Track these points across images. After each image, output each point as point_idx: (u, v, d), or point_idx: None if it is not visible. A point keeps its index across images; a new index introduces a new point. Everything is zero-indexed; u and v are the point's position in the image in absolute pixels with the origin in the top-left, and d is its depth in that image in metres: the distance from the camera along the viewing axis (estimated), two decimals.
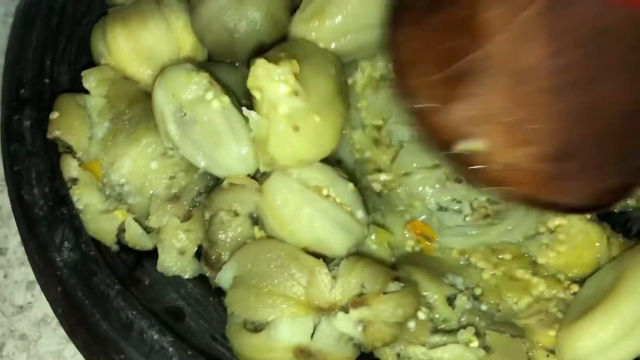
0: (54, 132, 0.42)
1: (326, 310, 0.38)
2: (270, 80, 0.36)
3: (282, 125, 0.37)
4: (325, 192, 0.40)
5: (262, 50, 0.42)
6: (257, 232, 0.41)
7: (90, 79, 0.43)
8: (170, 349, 0.38)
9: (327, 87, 0.39)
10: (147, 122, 0.41)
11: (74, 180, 0.42)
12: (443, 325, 0.41)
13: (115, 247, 0.42)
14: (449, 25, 0.27)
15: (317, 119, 0.38)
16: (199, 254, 0.42)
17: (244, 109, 0.38)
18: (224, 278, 0.40)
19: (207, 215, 0.40)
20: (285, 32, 0.42)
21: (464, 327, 0.40)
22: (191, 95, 0.39)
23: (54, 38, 0.45)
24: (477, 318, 0.40)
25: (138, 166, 0.41)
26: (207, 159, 0.40)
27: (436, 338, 0.40)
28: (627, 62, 0.21)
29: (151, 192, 0.42)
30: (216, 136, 0.39)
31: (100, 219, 0.41)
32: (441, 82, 0.28)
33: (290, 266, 0.38)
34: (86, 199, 0.41)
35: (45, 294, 0.41)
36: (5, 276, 0.46)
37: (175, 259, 0.41)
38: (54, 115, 0.42)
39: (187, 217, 0.42)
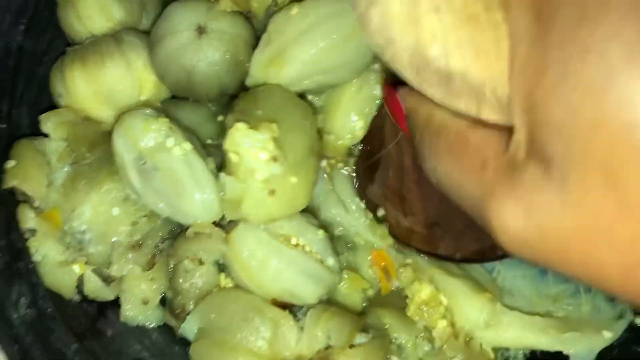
0: (11, 182, 0.40)
1: None
2: (250, 146, 0.36)
3: (258, 190, 0.36)
4: (294, 240, 0.39)
5: (223, 89, 0.40)
6: (224, 280, 0.40)
7: (49, 123, 0.41)
8: None
9: (303, 144, 0.38)
10: (109, 167, 0.40)
11: (32, 231, 0.40)
12: None
13: (76, 298, 0.41)
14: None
15: (294, 180, 0.37)
16: (164, 301, 0.41)
17: (221, 174, 0.37)
18: (188, 329, 0.39)
19: (171, 264, 0.39)
20: (246, 70, 0.41)
21: None
22: (151, 143, 0.38)
23: (11, 80, 0.43)
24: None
25: (99, 213, 0.40)
26: (169, 207, 0.38)
27: None
28: None
29: (113, 239, 0.40)
30: (178, 184, 0.37)
31: (59, 271, 0.40)
32: (364, 170, 0.41)
33: (254, 319, 0.37)
34: (44, 250, 0.40)
35: (3, 352, 0.40)
36: None
37: (139, 308, 0.40)
38: (10, 164, 0.41)
39: (150, 266, 0.40)
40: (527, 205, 0.17)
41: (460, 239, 0.39)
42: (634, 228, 0.15)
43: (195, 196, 0.38)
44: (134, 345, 0.41)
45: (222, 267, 0.40)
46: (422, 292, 0.40)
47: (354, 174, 0.42)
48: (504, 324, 0.40)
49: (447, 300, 0.40)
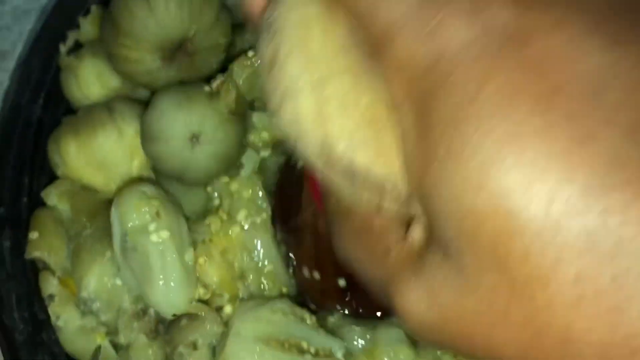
0: (33, 253, 0.43)
1: None
2: None
3: None
4: (287, 344, 0.37)
5: (212, 178, 0.42)
6: None
7: (51, 196, 0.43)
8: None
9: None
10: (109, 237, 0.41)
11: (52, 297, 0.42)
12: None
13: None
14: None
15: None
16: None
17: None
18: None
19: (167, 349, 0.40)
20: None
21: None
22: (136, 223, 0.39)
23: (32, 153, 0.46)
24: None
25: (103, 283, 0.41)
26: (140, 290, 0.39)
27: None
28: None
29: (118, 307, 0.41)
30: (148, 270, 0.38)
31: (79, 338, 0.42)
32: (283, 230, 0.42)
33: None
34: (65, 316, 0.42)
35: None
36: None
37: None
38: (34, 235, 0.43)
39: (155, 334, 0.41)
40: (428, 290, 0.17)
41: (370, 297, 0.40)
42: (526, 307, 0.15)
43: (159, 285, 0.39)
44: None
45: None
46: None
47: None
48: None
49: None
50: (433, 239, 0.17)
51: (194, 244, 0.41)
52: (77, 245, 0.42)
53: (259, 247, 0.41)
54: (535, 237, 0.14)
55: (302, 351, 0.37)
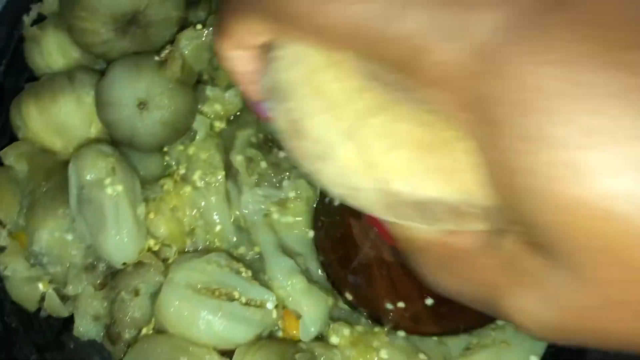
0: None
1: None
2: None
3: None
4: (218, 291, 0.40)
5: (161, 145, 0.45)
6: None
7: (9, 156, 0.46)
8: None
9: None
10: (63, 195, 0.43)
11: (2, 249, 0.45)
12: None
13: (43, 313, 0.45)
14: None
15: None
16: None
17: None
18: None
19: (111, 295, 0.42)
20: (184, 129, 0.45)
21: None
22: (93, 176, 0.41)
23: None
24: None
25: (55, 238, 0.43)
26: (93, 239, 0.41)
27: None
28: None
29: (69, 261, 0.44)
30: (102, 220, 0.41)
31: (24, 286, 0.44)
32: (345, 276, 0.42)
33: (181, 352, 0.39)
34: (12, 267, 0.44)
35: None
36: None
37: (90, 324, 0.43)
38: None
39: (102, 286, 0.44)
40: (539, 295, 0.17)
41: (464, 310, 0.40)
42: None
43: (112, 235, 0.41)
44: (94, 357, 0.45)
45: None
46: (361, 358, 0.41)
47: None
48: None
49: None
50: (531, 245, 0.17)
51: (146, 201, 0.43)
52: (32, 202, 0.44)
53: (209, 207, 0.44)
54: None
55: (232, 299, 0.40)
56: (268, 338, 0.41)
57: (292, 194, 0.43)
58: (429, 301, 0.39)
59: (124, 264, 0.42)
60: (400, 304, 0.39)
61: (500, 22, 0.15)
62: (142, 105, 0.44)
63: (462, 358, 0.42)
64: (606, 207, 0.14)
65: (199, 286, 0.40)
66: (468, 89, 0.15)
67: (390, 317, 0.40)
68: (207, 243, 0.44)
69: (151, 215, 0.43)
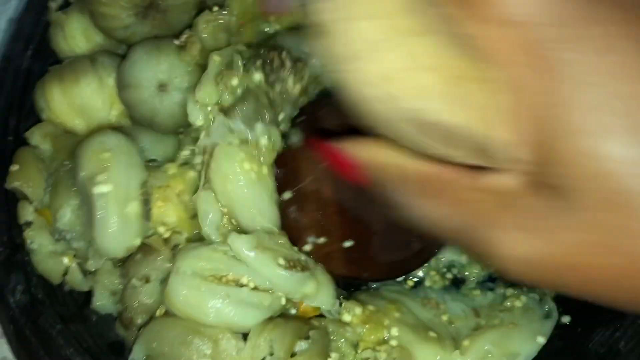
0: (13, 183, 0.47)
1: None
2: None
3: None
4: (225, 278, 0.41)
5: (180, 126, 0.46)
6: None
7: (34, 136, 0.47)
8: None
9: None
10: None
11: (29, 224, 0.47)
12: None
13: (67, 287, 0.47)
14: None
15: None
16: None
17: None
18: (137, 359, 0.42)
19: (122, 282, 0.43)
20: None
21: None
22: (88, 172, 0.43)
23: (20, 99, 0.50)
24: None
25: (77, 215, 0.45)
26: (87, 231, 0.43)
27: None
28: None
29: (90, 238, 0.45)
30: (92, 215, 0.42)
31: (50, 260, 0.46)
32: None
33: (194, 340, 0.40)
34: (38, 241, 0.46)
35: (2, 330, 0.47)
36: None
37: (108, 299, 0.45)
38: (14, 167, 0.47)
39: (120, 262, 0.46)
40: (531, 230, 0.18)
41: (372, 261, 0.42)
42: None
43: (98, 231, 0.43)
44: (114, 329, 0.47)
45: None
46: (372, 335, 0.43)
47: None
48: None
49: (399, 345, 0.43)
50: (538, 184, 0.18)
51: (151, 189, 0.44)
52: (56, 180, 0.46)
53: None
54: None
55: (241, 285, 0.41)
56: (282, 316, 0.42)
57: (263, 141, 0.42)
58: (347, 244, 0.41)
59: (112, 258, 0.43)
60: (321, 239, 0.42)
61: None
62: (162, 87, 0.46)
63: (471, 337, 0.42)
64: (609, 164, 0.16)
65: (206, 274, 0.40)
66: (529, 38, 0.17)
67: (306, 248, 0.42)
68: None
69: (159, 203, 0.44)
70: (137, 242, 0.43)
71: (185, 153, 0.45)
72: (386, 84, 0.19)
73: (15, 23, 0.52)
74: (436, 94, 0.18)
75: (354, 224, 0.41)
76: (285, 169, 0.43)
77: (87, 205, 0.43)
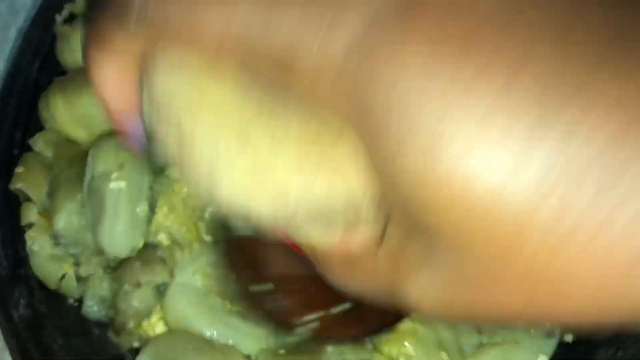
0: (17, 184, 0.48)
1: None
2: None
3: None
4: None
5: None
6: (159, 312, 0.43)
7: (38, 143, 0.48)
8: None
9: None
10: (81, 182, 0.45)
11: (30, 225, 0.47)
12: None
13: (71, 300, 0.47)
14: None
15: None
16: None
17: None
18: None
19: (113, 286, 0.43)
20: None
21: None
22: (102, 169, 0.43)
23: (27, 111, 0.51)
24: None
25: (71, 221, 0.46)
26: (92, 228, 0.43)
27: None
28: None
29: (83, 244, 0.45)
30: (102, 213, 0.42)
31: (49, 264, 0.46)
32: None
33: (204, 350, 0.40)
34: (39, 243, 0.46)
35: (6, 343, 0.47)
36: None
37: (98, 305, 0.45)
38: (20, 169, 0.48)
39: (110, 269, 0.45)
40: (425, 281, 0.18)
41: (366, 317, 0.40)
42: (522, 281, 0.15)
43: (107, 228, 0.43)
44: (117, 345, 0.47)
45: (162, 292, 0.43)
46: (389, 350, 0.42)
47: None
48: None
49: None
50: (412, 231, 0.17)
51: (156, 195, 0.45)
52: (54, 185, 0.47)
53: None
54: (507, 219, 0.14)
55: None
56: (294, 348, 0.42)
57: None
58: (337, 309, 0.38)
59: (115, 257, 0.43)
60: (311, 316, 0.39)
61: (367, 19, 0.15)
62: None
63: (474, 356, 0.42)
64: (464, 188, 0.14)
65: (204, 288, 0.41)
66: (342, 90, 0.16)
67: (301, 329, 0.39)
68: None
69: (164, 210, 0.44)
70: (141, 243, 0.43)
71: None
72: (240, 195, 0.18)
73: (24, 35, 0.52)
74: (291, 172, 0.18)
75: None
76: (245, 260, 0.41)
77: (94, 204, 0.44)
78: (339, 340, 0.40)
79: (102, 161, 0.44)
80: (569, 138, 0.13)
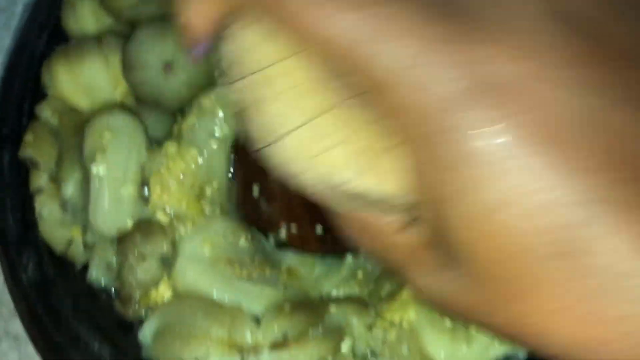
0: (27, 151, 0.48)
1: (251, 351, 0.40)
2: None
3: None
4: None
5: (183, 105, 0.46)
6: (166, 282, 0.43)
7: (44, 111, 0.48)
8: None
9: None
10: None
11: (40, 190, 0.47)
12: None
13: (78, 266, 0.48)
14: None
15: None
16: None
17: None
18: (146, 334, 0.43)
19: (117, 259, 0.43)
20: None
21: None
22: (89, 149, 0.43)
23: (34, 83, 0.51)
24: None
25: (78, 190, 0.46)
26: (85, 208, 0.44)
27: None
28: None
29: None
30: (87, 193, 0.43)
31: (57, 229, 0.47)
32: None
33: (212, 312, 0.40)
34: (48, 208, 0.47)
35: (15, 307, 0.48)
36: (4, 283, 0.52)
37: (104, 273, 0.45)
38: (29, 137, 0.48)
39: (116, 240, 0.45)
40: (434, 281, 0.20)
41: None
42: (519, 310, 0.17)
43: (91, 208, 0.44)
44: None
45: (167, 262, 0.43)
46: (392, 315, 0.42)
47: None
48: None
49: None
50: (436, 242, 0.19)
51: (150, 172, 0.44)
52: (61, 154, 0.47)
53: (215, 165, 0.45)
54: (523, 264, 0.16)
55: (248, 269, 0.42)
56: (299, 301, 0.42)
57: None
58: (319, 229, 0.43)
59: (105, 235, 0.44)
60: (293, 227, 0.43)
61: (461, 89, 0.16)
62: (167, 67, 0.46)
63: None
64: (499, 240, 0.16)
65: (212, 257, 0.41)
66: (418, 131, 0.17)
67: (281, 236, 0.44)
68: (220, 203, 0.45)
69: (157, 190, 0.44)
70: (129, 224, 0.43)
71: (187, 125, 0.45)
72: (289, 164, 0.20)
73: (31, 8, 0.53)
74: (345, 166, 0.20)
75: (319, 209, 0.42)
76: (247, 165, 0.44)
77: (86, 182, 0.44)
78: (315, 252, 0.44)
79: (90, 142, 0.44)
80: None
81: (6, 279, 0.48)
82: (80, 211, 0.46)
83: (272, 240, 0.45)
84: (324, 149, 0.20)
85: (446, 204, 0.17)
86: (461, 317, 0.20)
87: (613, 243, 0.15)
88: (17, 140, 0.50)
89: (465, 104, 0.16)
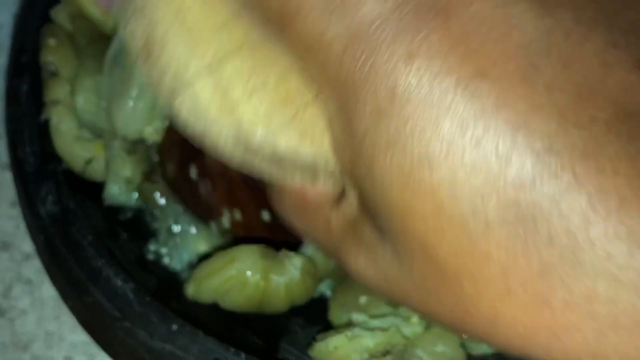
0: (48, 57, 0.45)
1: None
2: None
3: None
4: None
5: None
6: None
7: (60, 14, 0.46)
8: (131, 295, 0.42)
9: None
10: (101, 64, 0.43)
11: (56, 102, 0.44)
12: None
13: (86, 176, 0.45)
14: None
15: None
16: None
17: None
18: None
19: (143, 166, 0.43)
20: None
21: None
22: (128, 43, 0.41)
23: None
24: None
25: (89, 102, 0.44)
26: (107, 105, 0.42)
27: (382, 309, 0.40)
28: None
29: (101, 126, 0.43)
30: (124, 88, 0.40)
31: (75, 144, 0.44)
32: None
33: None
34: (66, 122, 0.44)
35: (33, 242, 0.46)
36: (17, 227, 0.51)
37: (122, 187, 0.44)
38: (51, 41, 0.45)
39: (133, 151, 0.43)
40: (370, 259, 0.18)
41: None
42: (456, 294, 0.15)
43: (127, 104, 0.41)
44: (143, 249, 0.46)
45: None
46: None
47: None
48: None
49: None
50: (367, 216, 0.18)
51: None
52: (77, 64, 0.45)
53: None
54: (463, 234, 0.14)
55: None
56: None
57: None
58: (265, 215, 0.39)
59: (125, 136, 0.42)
60: (237, 215, 0.39)
61: (384, 14, 0.14)
62: None
63: None
64: (423, 201, 0.15)
65: None
66: (336, 72, 0.15)
67: (225, 223, 0.40)
68: None
69: None
70: (148, 131, 0.41)
71: None
72: (201, 116, 0.18)
73: None
74: (257, 120, 0.18)
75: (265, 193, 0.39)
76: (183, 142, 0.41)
77: (116, 80, 0.42)
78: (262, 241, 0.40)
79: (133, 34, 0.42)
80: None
81: (24, 213, 0.46)
82: (93, 124, 0.43)
83: (214, 228, 0.41)
84: (236, 99, 0.17)
85: (370, 160, 0.15)
86: (404, 304, 0.18)
87: (572, 203, 0.12)
88: (34, 69, 0.47)
89: (394, 29, 0.14)
